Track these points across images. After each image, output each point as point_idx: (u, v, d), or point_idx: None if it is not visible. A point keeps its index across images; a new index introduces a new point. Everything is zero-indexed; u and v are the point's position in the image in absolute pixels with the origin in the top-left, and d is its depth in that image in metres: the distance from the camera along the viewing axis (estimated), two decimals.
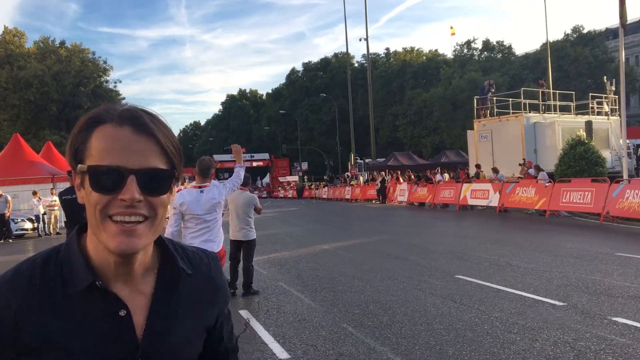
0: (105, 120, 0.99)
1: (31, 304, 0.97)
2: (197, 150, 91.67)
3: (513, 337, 5.56)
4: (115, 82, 56.47)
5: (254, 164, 62.14)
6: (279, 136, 72.84)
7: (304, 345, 5.65)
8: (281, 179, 63.43)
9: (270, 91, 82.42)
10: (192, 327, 1.11)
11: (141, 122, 0.99)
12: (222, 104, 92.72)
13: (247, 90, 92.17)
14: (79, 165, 0.99)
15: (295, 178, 62.20)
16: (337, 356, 5.25)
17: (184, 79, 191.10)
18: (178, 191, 7.63)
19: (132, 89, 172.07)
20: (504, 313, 6.45)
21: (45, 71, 47.15)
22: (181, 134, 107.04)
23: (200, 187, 5.54)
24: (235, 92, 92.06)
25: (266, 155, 67.62)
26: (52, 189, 22.74)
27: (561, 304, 6.71)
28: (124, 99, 55.76)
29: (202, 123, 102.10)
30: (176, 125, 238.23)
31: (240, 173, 6.03)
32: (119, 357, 1.00)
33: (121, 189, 0.95)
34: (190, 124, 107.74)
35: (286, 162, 68.55)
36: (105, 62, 53.29)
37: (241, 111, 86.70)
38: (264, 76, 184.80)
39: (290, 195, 53.80)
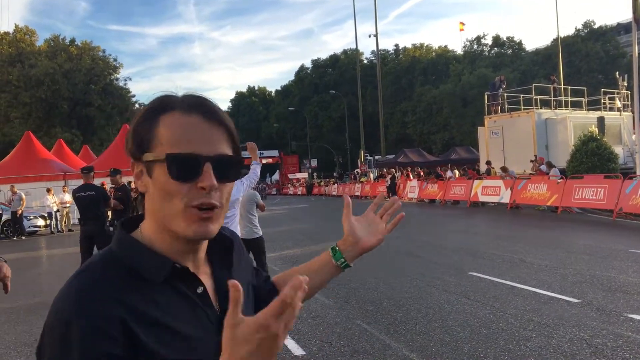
0: (172, 107, 0.99)
1: (127, 304, 0.92)
2: None
3: (529, 334, 5.54)
4: (126, 80, 56.86)
5: (264, 160, 62.12)
6: (288, 133, 72.85)
7: (318, 342, 5.66)
8: (290, 176, 63.51)
9: (279, 88, 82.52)
10: (248, 292, 1.17)
11: (209, 109, 1.00)
12: (231, 101, 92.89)
13: (256, 88, 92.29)
14: (146, 154, 0.98)
15: (305, 175, 62.25)
16: (352, 353, 5.25)
17: (193, 76, 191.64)
18: None
19: (141, 87, 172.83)
20: (518, 310, 6.42)
21: (56, 69, 47.37)
22: None
23: None
24: (244, 90, 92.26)
25: (275, 153, 67.74)
26: (64, 186, 22.91)
27: (576, 300, 6.68)
28: (134, 96, 56.03)
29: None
30: None
31: (256, 170, 6.05)
32: (208, 331, 1.00)
33: (198, 177, 0.95)
34: None
35: (295, 159, 68.62)
36: (115, 60, 53.49)
37: (250, 108, 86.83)
38: (273, 73, 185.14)
39: (299, 192, 53.84)
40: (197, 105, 0.99)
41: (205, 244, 1.07)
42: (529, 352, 5.00)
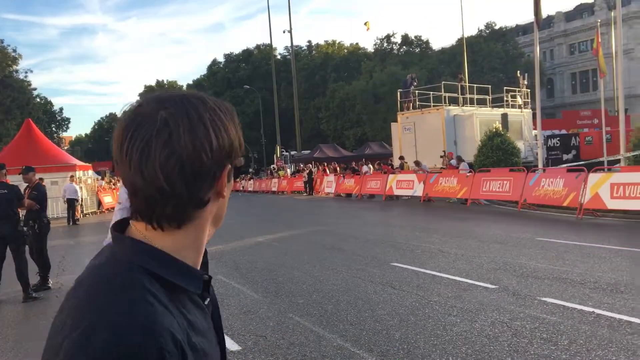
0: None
1: (178, 328, 0.85)
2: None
3: (453, 319, 5.85)
4: (26, 72, 53.43)
5: None
6: None
7: (253, 337, 5.68)
8: None
9: (190, 82, 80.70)
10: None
11: None
12: (139, 95, 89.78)
13: (165, 81, 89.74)
14: (236, 159, 0.97)
15: None
16: (289, 346, 5.32)
17: (97, 68, 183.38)
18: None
19: (41, 79, 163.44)
20: (442, 297, 6.75)
21: None
22: (96, 127, 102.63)
23: None
24: (153, 83, 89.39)
25: None
26: None
27: (493, 286, 7.11)
28: (35, 89, 52.90)
29: (118, 115, 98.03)
30: (90, 117, 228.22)
31: None
32: (215, 344, 1.01)
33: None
34: (106, 116, 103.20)
35: None
36: (14, 51, 50.21)
37: None
38: (183, 67, 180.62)
39: None
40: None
41: None
42: (456, 337, 5.28)
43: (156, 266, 0.89)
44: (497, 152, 20.43)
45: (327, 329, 5.74)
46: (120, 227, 0.96)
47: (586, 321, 5.48)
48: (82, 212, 24.14)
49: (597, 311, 5.76)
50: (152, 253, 0.91)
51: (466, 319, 5.84)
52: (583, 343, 4.88)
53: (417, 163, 22.53)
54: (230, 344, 5.45)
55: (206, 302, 1.00)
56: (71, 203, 21.90)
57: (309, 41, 71.03)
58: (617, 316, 5.56)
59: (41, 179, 10.36)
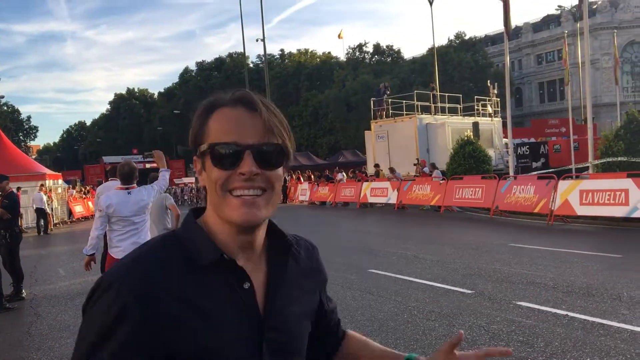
0: (221, 104, 1.06)
1: (163, 288, 0.98)
2: (83, 152, 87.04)
3: (432, 324, 5.94)
4: None
5: (147, 165, 60.01)
6: (173, 137, 70.95)
7: None
8: (177, 181, 61.83)
9: (162, 90, 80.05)
10: (304, 302, 1.18)
11: (252, 101, 1.05)
12: (110, 103, 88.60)
13: (136, 90, 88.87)
14: (200, 147, 1.05)
15: (192, 179, 60.86)
16: None
17: (66, 76, 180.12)
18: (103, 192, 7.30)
19: (8, 87, 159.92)
20: (419, 302, 6.84)
21: None
22: (64, 135, 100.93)
23: (127, 188, 5.40)
24: (123, 91, 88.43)
25: None
26: None
27: (469, 291, 7.23)
28: (2, 97, 51.76)
29: (88, 123, 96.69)
30: (59, 125, 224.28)
31: (165, 176, 5.94)
32: (246, 327, 1.04)
33: (239, 164, 1.01)
34: (75, 124, 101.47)
35: (182, 163, 66.81)
36: None
37: (131, 111, 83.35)
38: (155, 75, 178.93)
39: (186, 197, 52.64)
40: (241, 99, 1.05)
41: (260, 236, 1.10)
42: (435, 341, 5.37)
43: (182, 234, 1.08)
44: (468, 160, 20.75)
45: None
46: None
47: (560, 324, 5.63)
48: (52, 222, 23.70)
49: (571, 314, 5.91)
50: (188, 224, 1.10)
51: (444, 323, 5.94)
52: (558, 345, 5.01)
53: (391, 170, 22.74)
54: None
55: (246, 286, 1.05)
56: (40, 212, 21.48)
57: (282, 50, 71.41)
58: (590, 319, 5.71)
59: (19, 189, 10.17)
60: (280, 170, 1.06)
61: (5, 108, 52.89)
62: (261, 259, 1.12)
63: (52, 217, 23.43)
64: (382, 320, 6.20)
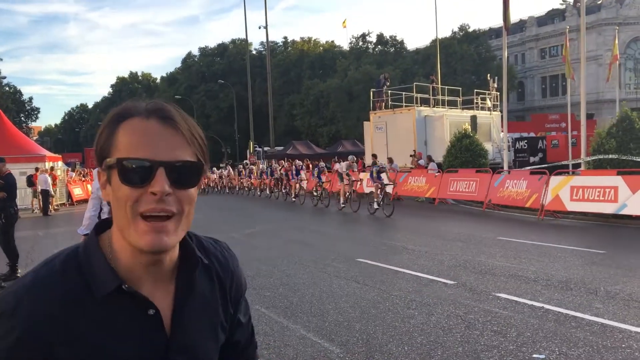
0: (132, 114, 0.98)
1: (55, 313, 0.94)
2: (83, 134, 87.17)
3: (412, 312, 6.14)
4: None
5: None
6: None
7: None
8: None
9: (164, 75, 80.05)
10: (215, 315, 1.13)
11: (168, 114, 0.98)
12: (112, 86, 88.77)
13: (140, 74, 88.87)
14: (106, 160, 0.97)
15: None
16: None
17: (68, 58, 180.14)
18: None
19: (10, 67, 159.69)
20: (402, 292, 7.04)
21: None
22: (66, 117, 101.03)
23: None
24: (126, 75, 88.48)
25: None
26: None
27: (452, 282, 7.43)
28: (4, 78, 51.97)
29: (90, 106, 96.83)
30: (60, 107, 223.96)
31: None
32: (152, 354, 1.01)
33: (150, 182, 0.93)
34: (77, 107, 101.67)
35: None
36: None
37: (133, 95, 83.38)
38: (157, 59, 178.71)
39: None
40: (155, 110, 0.98)
41: (169, 257, 1.03)
42: (413, 328, 5.57)
43: (81, 258, 1.01)
44: (465, 153, 20.88)
45: (291, 320, 5.97)
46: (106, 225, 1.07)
47: (535, 315, 5.82)
48: (54, 203, 24.02)
49: (547, 306, 6.10)
50: (88, 246, 1.02)
51: (424, 312, 6.13)
52: (530, 335, 5.21)
53: (390, 160, 22.87)
54: None
55: (150, 313, 1.00)
56: (44, 194, 21.83)
57: (285, 37, 71.20)
58: (564, 311, 5.91)
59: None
60: (194, 190, 1.00)
61: (7, 89, 52.97)
62: (172, 278, 1.06)
63: (54, 200, 23.70)
64: (364, 307, 6.40)
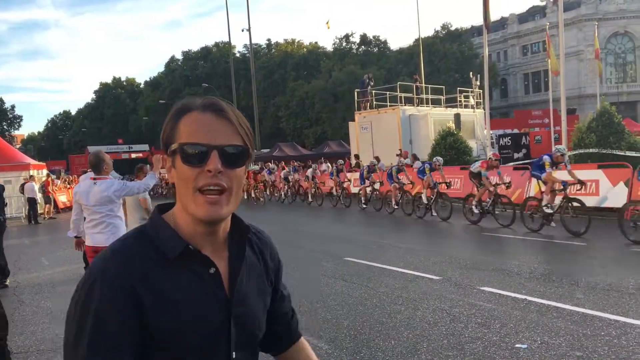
0: (191, 108, 1.17)
1: (140, 277, 1.11)
2: (67, 141, 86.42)
3: (398, 307, 6.26)
4: None
5: (133, 155, 59.94)
6: (159, 127, 70.70)
7: None
8: (162, 171, 61.69)
9: (148, 79, 79.65)
10: (259, 283, 1.32)
11: (220, 107, 1.17)
12: (95, 92, 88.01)
13: (124, 79, 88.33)
14: (171, 146, 1.16)
15: None
16: None
17: (50, 65, 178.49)
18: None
19: None
20: (389, 288, 7.16)
21: None
22: (49, 124, 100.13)
23: (94, 179, 5.60)
24: (109, 80, 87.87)
25: (146, 147, 65.36)
26: None
27: (438, 277, 7.57)
28: None
29: (73, 112, 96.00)
30: (43, 114, 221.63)
31: (149, 181, 6.09)
32: (215, 307, 1.18)
33: (206, 162, 1.12)
34: (60, 114, 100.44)
35: None
36: None
37: (116, 100, 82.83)
38: (141, 63, 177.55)
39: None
40: (210, 105, 1.17)
41: (223, 228, 1.22)
42: (399, 323, 5.69)
43: (150, 230, 1.20)
44: (450, 150, 21.10)
45: None
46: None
47: (518, 307, 5.97)
48: (51, 211, 24.07)
49: (529, 298, 6.26)
50: (155, 221, 1.22)
51: (410, 307, 6.26)
52: (513, 326, 5.35)
53: (377, 159, 23.01)
54: None
55: (211, 271, 1.18)
56: (31, 202, 21.76)
57: (269, 39, 71.08)
58: (546, 302, 6.07)
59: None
60: (242, 169, 1.18)
61: None
62: (224, 247, 1.24)
63: (37, 207, 23.61)
64: (351, 304, 6.51)
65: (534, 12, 64.64)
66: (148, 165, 6.17)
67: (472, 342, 4.99)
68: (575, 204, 10.54)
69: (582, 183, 10.67)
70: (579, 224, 10.27)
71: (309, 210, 19.82)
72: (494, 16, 62.94)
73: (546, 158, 10.82)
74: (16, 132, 79.56)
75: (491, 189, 12.47)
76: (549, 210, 10.68)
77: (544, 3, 61.99)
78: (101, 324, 1.07)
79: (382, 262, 8.83)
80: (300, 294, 7.13)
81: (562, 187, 10.60)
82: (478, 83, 29.68)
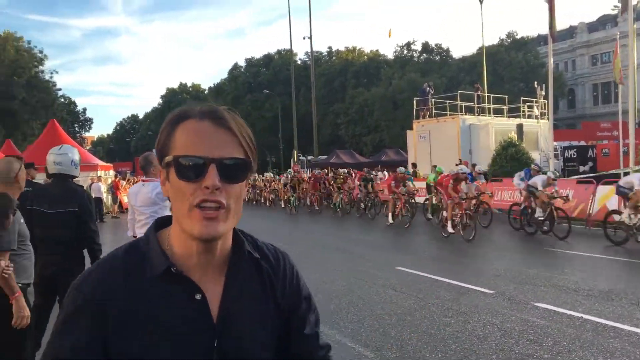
0: (188, 116, 1.08)
1: (115, 293, 1.05)
2: (134, 144, 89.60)
3: (448, 320, 6.16)
4: (52, 73, 54.54)
5: None
6: None
7: None
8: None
9: (212, 85, 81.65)
10: (265, 312, 1.18)
11: (220, 115, 1.07)
12: (162, 97, 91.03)
13: (190, 84, 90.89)
14: (165, 158, 1.07)
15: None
16: None
17: (120, 70, 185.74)
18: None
19: (65, 80, 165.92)
20: (440, 300, 7.06)
21: None
22: (117, 127, 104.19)
23: (144, 181, 5.78)
24: (175, 86, 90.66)
25: None
26: None
27: (491, 291, 7.39)
28: (59, 90, 54.04)
29: (140, 116, 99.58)
30: (112, 118, 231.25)
31: None
32: (197, 336, 1.08)
33: (204, 177, 1.02)
34: (128, 117, 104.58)
35: None
36: (41, 52, 51.49)
37: (181, 105, 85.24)
38: (205, 70, 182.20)
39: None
40: (208, 113, 1.07)
41: (221, 247, 1.12)
42: (448, 335, 5.60)
43: (142, 245, 1.13)
44: (511, 162, 20.58)
45: (327, 326, 6.08)
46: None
47: (573, 325, 5.76)
48: (104, 211, 25.09)
49: (586, 316, 6.03)
50: (147, 235, 1.15)
51: (460, 320, 6.14)
52: (566, 344, 5.17)
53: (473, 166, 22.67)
54: None
55: (197, 297, 1.09)
56: (97, 202, 22.81)
57: (330, 47, 71.62)
58: (603, 321, 5.82)
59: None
60: (242, 184, 1.09)
61: (62, 100, 55.16)
62: (223, 268, 1.14)
63: (103, 207, 24.66)
64: (400, 314, 6.45)
65: (605, 21, 62.27)
66: None
67: (522, 359, 4.85)
68: None
69: None
70: None
71: (364, 220, 19.76)
72: (563, 25, 61.20)
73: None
74: (87, 134, 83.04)
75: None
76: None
77: (615, 12, 59.67)
78: (66, 332, 1.04)
79: (434, 273, 8.70)
80: (348, 301, 7.14)
81: None
82: (543, 93, 28.84)
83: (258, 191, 31.72)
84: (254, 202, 31.05)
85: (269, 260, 1.22)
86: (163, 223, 1.16)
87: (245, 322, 1.13)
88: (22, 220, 3.66)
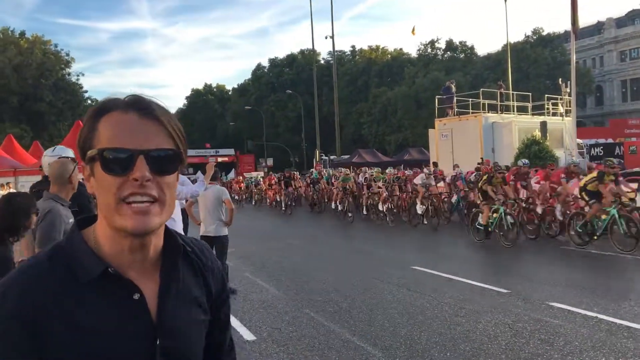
0: (111, 108, 1.01)
1: (45, 302, 0.97)
2: None
3: (459, 319, 6.12)
4: (78, 75, 55.57)
5: (219, 159, 61.95)
6: (245, 132, 72.74)
7: (268, 328, 6.10)
8: (247, 175, 63.43)
9: (236, 86, 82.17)
10: (196, 307, 1.15)
11: (146, 106, 1.02)
12: (187, 98, 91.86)
13: (214, 85, 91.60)
14: (88, 152, 1.01)
15: (261, 173, 62.23)
16: (300, 338, 5.70)
17: (146, 72, 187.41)
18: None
19: (92, 82, 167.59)
20: (453, 299, 7.01)
21: (5, 63, 46.15)
22: None
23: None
24: (200, 87, 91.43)
25: (231, 151, 67.42)
26: (8, 183, 22.41)
27: (506, 291, 7.31)
28: (86, 92, 55.06)
29: None
30: None
31: (197, 187, 6.24)
32: (138, 338, 1.02)
33: (132, 170, 0.97)
34: None
35: (252, 158, 68.49)
36: (67, 55, 52.53)
37: (206, 106, 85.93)
38: (229, 71, 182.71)
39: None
40: (133, 104, 1.01)
41: (154, 244, 1.07)
42: (458, 335, 5.56)
43: (66, 249, 1.05)
44: (534, 160, 20.28)
45: (338, 324, 6.09)
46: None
47: (587, 325, 5.68)
48: None
49: (600, 316, 5.94)
50: (72, 238, 1.07)
51: (471, 319, 6.10)
52: (578, 344, 5.10)
53: (456, 167, 22.53)
54: (247, 334, 5.88)
55: (135, 297, 1.03)
56: None
57: (353, 46, 71.33)
58: (618, 321, 5.73)
59: None
60: (173, 176, 1.04)
61: (89, 102, 56.10)
62: (156, 266, 1.09)
63: None
64: (412, 313, 6.43)
65: (634, 16, 60.93)
66: (199, 172, 6.28)
67: (531, 359, 4.80)
68: None
69: None
70: None
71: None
72: (590, 20, 60.15)
73: None
74: None
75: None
76: None
77: None
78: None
79: (448, 273, 8.64)
80: (361, 299, 7.14)
81: None
82: (568, 90, 28.36)
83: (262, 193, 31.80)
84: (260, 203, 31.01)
85: (198, 255, 1.19)
86: (84, 222, 1.09)
87: (184, 318, 1.10)
88: (71, 220, 3.74)
